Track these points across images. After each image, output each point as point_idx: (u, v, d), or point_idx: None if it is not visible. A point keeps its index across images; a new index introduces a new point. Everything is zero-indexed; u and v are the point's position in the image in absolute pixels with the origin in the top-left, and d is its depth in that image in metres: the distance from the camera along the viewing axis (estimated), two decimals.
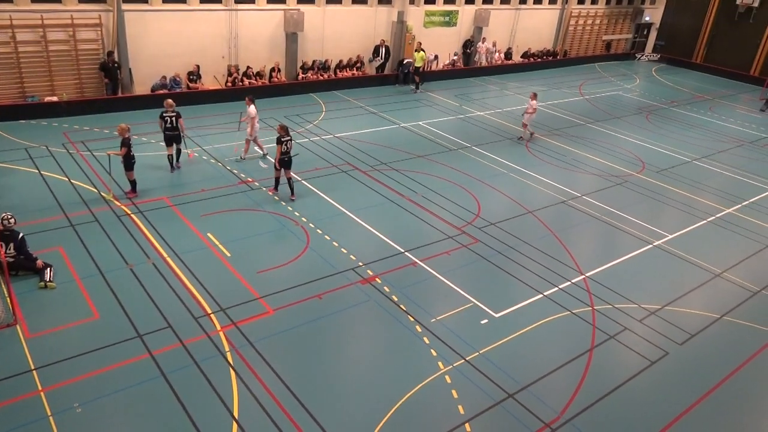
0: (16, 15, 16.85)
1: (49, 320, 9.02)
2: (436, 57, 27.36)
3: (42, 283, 9.71)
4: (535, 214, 14.23)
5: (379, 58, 24.83)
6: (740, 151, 20.90)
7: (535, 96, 19.00)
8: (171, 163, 14.67)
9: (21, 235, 10.06)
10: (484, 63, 28.31)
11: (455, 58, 28.10)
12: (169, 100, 14.32)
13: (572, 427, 7.97)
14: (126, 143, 12.54)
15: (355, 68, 24.54)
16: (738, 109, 27.25)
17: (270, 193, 13.80)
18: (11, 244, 9.85)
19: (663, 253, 13.04)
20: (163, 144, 14.49)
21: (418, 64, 23.83)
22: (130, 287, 9.95)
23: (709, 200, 16.18)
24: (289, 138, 13.23)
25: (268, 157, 15.46)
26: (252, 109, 14.97)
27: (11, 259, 9.78)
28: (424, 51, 24.40)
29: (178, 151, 14.84)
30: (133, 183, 13.12)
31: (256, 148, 15.80)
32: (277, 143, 13.05)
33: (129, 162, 12.78)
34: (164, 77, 19.62)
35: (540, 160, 17.94)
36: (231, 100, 20.58)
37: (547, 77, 29.79)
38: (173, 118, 14.20)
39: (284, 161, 13.32)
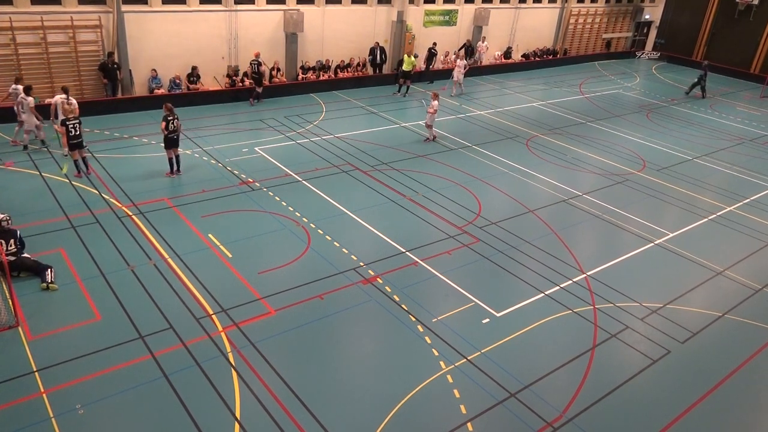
0: (16, 17, 16.86)
1: (51, 322, 9.03)
2: (446, 54, 27.55)
3: (44, 284, 9.72)
4: (536, 213, 14.23)
5: (376, 60, 24.83)
6: (741, 148, 20.89)
7: (436, 96, 18.19)
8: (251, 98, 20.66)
9: (18, 232, 10.20)
10: (484, 62, 27.93)
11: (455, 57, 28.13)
12: (257, 52, 20.54)
13: (574, 426, 7.96)
14: (63, 123, 13.36)
15: (356, 69, 24.57)
16: (738, 106, 27.23)
17: (167, 176, 14.27)
18: (11, 240, 9.96)
19: (664, 251, 13.03)
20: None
21: (406, 68, 23.26)
22: (131, 288, 9.96)
23: (710, 198, 16.17)
24: (174, 117, 13.83)
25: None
26: (30, 100, 14.54)
27: (12, 258, 9.84)
28: (416, 56, 24.51)
29: (257, 94, 20.71)
30: (75, 163, 13.79)
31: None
32: (163, 120, 13.66)
33: (69, 142, 13.40)
34: (154, 70, 19.51)
35: (540, 159, 17.93)
36: (231, 101, 20.64)
37: (547, 76, 29.78)
38: (256, 65, 20.21)
39: (171, 140, 13.91)
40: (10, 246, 9.90)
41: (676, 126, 22.91)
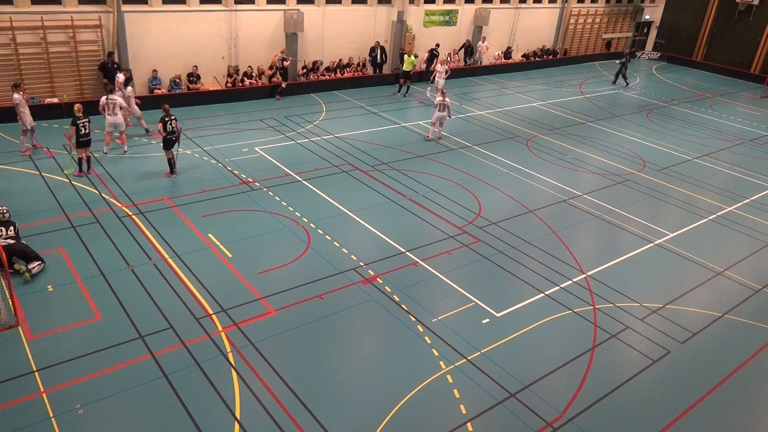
0: (17, 17, 16.86)
1: (51, 321, 9.03)
2: (448, 55, 27.46)
3: (23, 268, 9.77)
4: (536, 213, 14.23)
5: (377, 60, 24.82)
6: (741, 149, 20.89)
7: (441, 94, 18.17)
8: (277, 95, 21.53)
9: (16, 224, 10.42)
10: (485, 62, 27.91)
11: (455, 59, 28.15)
12: (283, 49, 21.49)
13: (574, 426, 7.97)
14: (74, 122, 13.41)
15: (357, 69, 24.56)
16: (738, 107, 27.23)
17: (167, 176, 14.35)
18: (11, 228, 10.17)
19: (664, 251, 13.03)
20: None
21: (406, 68, 23.16)
22: (131, 288, 9.96)
23: (710, 198, 16.17)
24: (172, 118, 13.88)
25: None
26: (128, 90, 15.59)
27: (13, 240, 9.98)
28: (416, 56, 24.43)
29: (282, 87, 21.42)
30: (79, 162, 13.95)
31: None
32: (160, 122, 13.74)
33: (77, 140, 13.53)
34: (154, 70, 19.54)
35: (541, 159, 17.93)
36: (231, 101, 20.64)
37: (547, 76, 29.79)
38: (281, 61, 20.91)
39: (170, 141, 13.97)
40: (10, 231, 10.10)
41: (676, 126, 22.92)
